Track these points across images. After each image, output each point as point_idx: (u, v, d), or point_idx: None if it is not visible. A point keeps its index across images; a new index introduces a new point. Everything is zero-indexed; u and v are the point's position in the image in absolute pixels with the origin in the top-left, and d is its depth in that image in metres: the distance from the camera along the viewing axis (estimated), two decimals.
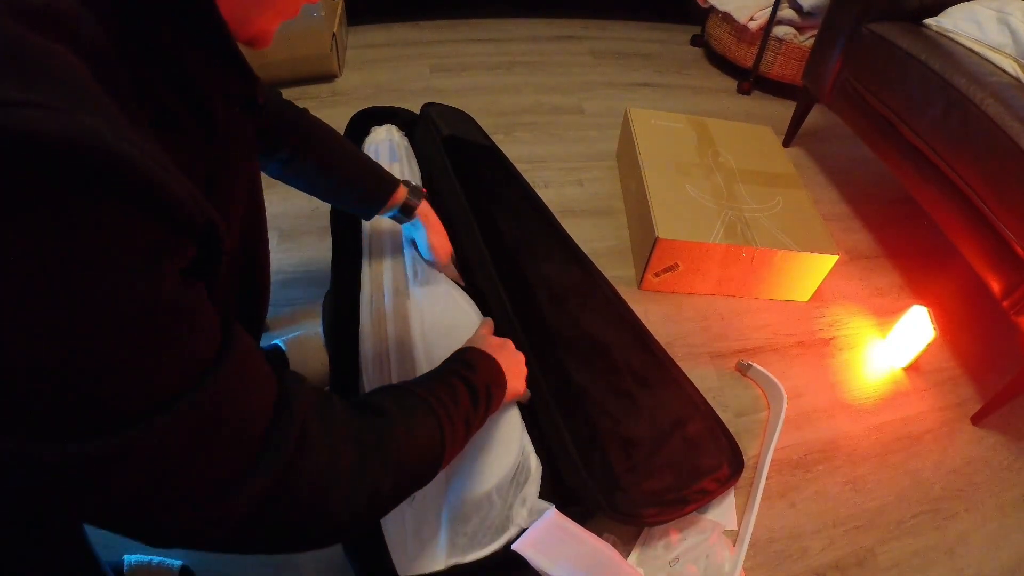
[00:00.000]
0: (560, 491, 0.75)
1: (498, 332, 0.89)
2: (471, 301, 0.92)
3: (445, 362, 0.63)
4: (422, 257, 0.93)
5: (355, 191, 0.81)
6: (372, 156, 1.11)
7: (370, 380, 0.79)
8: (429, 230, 0.89)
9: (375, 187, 0.82)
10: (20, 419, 0.26)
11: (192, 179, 0.30)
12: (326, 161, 0.76)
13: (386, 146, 1.15)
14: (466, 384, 0.57)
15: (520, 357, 0.76)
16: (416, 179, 1.11)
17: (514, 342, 0.85)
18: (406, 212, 0.85)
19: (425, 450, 0.48)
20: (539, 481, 0.74)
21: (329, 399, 0.43)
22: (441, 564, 0.65)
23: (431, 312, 0.88)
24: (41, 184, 0.24)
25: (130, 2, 0.31)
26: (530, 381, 0.81)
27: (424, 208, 0.88)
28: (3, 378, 0.25)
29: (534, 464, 0.75)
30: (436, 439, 0.49)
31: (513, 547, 0.66)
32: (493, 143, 1.27)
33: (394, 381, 0.79)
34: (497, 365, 0.66)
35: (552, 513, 0.69)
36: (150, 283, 0.28)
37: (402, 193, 0.84)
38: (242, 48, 0.40)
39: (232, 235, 0.51)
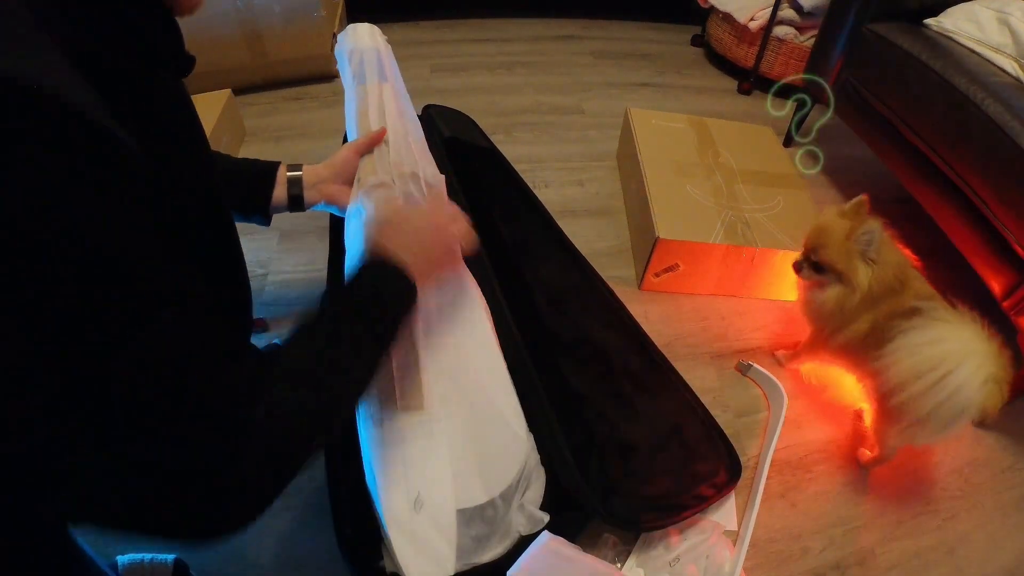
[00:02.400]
0: (558, 497, 0.74)
1: (496, 332, 0.89)
2: (476, 285, 0.91)
3: (352, 293, 0.56)
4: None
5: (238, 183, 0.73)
6: (356, 66, 0.93)
7: None
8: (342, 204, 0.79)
9: (258, 173, 0.74)
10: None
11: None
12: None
13: (372, 55, 0.92)
14: (376, 329, 0.55)
15: (447, 232, 0.68)
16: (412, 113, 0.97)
17: (512, 345, 0.84)
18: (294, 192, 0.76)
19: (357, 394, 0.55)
20: (542, 488, 0.74)
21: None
22: (447, 569, 0.64)
23: (432, 309, 0.87)
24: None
25: None
26: (526, 384, 0.81)
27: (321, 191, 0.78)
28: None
29: (537, 471, 0.75)
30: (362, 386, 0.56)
31: (508, 574, 0.66)
32: (493, 145, 1.27)
33: (394, 380, 0.78)
34: (407, 282, 0.57)
35: (546, 537, 0.68)
36: (96, 218, 0.30)
37: (283, 171, 0.75)
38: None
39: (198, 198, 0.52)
